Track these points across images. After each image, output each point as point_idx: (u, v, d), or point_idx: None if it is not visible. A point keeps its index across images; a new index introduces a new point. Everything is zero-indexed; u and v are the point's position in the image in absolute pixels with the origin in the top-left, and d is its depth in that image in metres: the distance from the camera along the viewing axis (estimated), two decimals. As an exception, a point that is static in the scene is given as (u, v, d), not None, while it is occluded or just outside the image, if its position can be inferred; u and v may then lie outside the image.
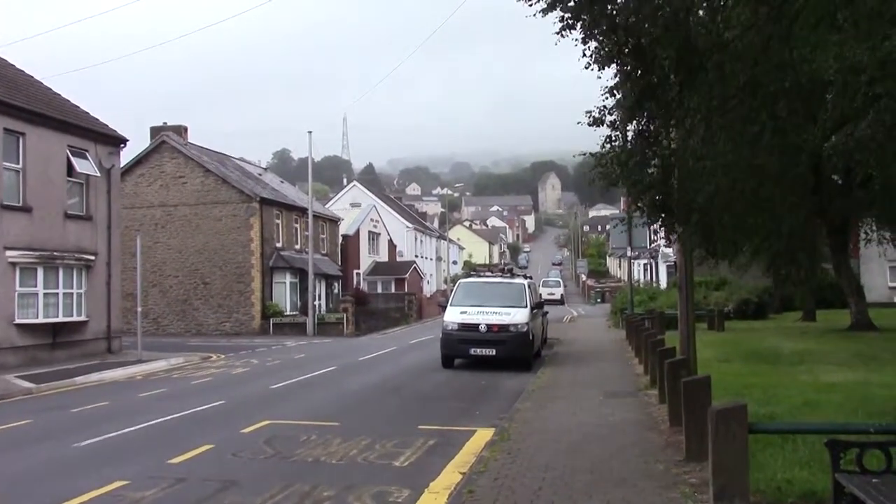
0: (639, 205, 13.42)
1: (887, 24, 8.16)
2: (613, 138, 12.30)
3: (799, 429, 8.05)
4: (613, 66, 10.82)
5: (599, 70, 10.79)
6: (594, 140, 12.85)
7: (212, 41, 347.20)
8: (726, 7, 9.40)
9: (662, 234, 15.59)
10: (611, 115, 11.81)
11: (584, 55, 10.69)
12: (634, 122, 11.77)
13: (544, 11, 10.27)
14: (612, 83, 11.43)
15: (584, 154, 14.42)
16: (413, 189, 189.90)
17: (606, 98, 11.60)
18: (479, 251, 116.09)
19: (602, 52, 10.43)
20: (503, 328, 18.98)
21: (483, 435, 10.49)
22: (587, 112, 12.18)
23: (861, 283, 28.96)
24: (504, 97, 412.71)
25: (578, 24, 10.19)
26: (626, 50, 10.22)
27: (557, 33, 10.35)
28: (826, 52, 9.84)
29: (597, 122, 12.02)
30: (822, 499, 6.31)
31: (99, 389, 17.28)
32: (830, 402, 10.92)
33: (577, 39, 10.56)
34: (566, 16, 10.16)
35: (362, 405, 13.88)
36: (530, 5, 10.42)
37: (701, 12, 10.03)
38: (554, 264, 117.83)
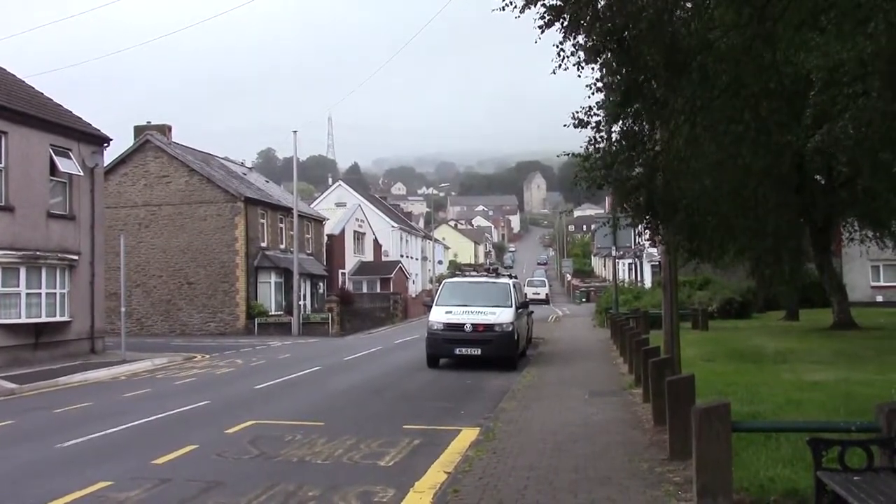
0: (624, 206, 13.42)
1: (867, 24, 8.24)
2: (598, 140, 12.27)
3: (782, 427, 8.13)
4: (596, 63, 10.65)
5: (579, 70, 10.61)
6: (579, 140, 12.79)
7: (195, 41, 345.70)
8: (710, 8, 9.42)
9: (647, 235, 15.63)
10: (596, 115, 11.73)
11: (560, 55, 10.54)
12: (619, 122, 11.71)
13: (522, 9, 10.12)
14: (596, 76, 11.26)
15: (569, 154, 14.41)
16: (398, 189, 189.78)
17: (591, 95, 11.51)
18: (465, 251, 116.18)
19: (587, 47, 10.25)
20: (488, 328, 18.97)
21: (468, 434, 10.49)
22: (573, 114, 12.12)
23: (843, 282, 29.20)
24: (490, 98, 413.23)
25: (557, 23, 10.04)
26: (612, 46, 10.15)
27: (539, 28, 10.16)
28: (809, 53, 9.91)
29: (582, 123, 11.94)
30: (804, 496, 6.35)
31: (82, 390, 17.17)
32: (813, 400, 10.99)
33: (556, 34, 10.28)
34: (544, 11, 10.02)
35: (347, 405, 13.84)
36: (503, 8, 10.19)
37: (685, 13, 10.01)
38: (539, 264, 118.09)
